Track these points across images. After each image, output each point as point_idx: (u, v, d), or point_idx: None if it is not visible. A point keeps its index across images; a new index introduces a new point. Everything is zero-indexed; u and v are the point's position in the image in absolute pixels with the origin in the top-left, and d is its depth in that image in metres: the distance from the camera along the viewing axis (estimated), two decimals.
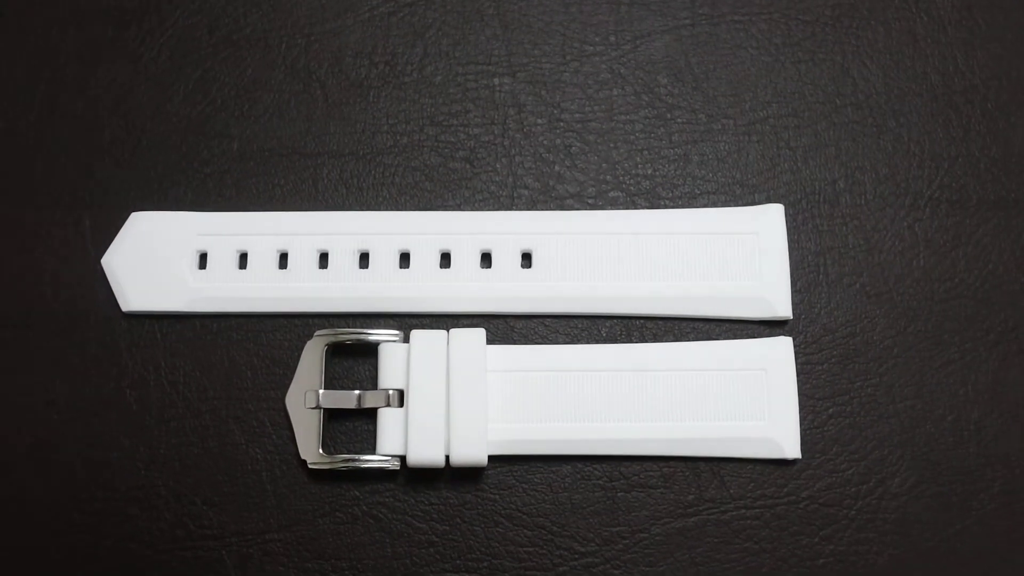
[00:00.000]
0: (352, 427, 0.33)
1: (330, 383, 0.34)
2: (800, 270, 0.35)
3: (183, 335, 0.34)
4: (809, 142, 0.37)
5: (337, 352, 0.34)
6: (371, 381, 0.34)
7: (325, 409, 0.33)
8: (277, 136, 0.36)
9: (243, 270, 0.34)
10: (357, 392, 0.33)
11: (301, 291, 0.34)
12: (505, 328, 0.34)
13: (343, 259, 0.34)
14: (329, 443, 0.33)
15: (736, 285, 0.34)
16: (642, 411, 0.33)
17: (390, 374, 0.32)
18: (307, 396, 0.33)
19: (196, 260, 0.35)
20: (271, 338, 0.34)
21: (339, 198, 0.36)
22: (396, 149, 0.36)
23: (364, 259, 0.34)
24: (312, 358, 0.33)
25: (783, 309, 0.34)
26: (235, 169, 0.36)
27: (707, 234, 0.34)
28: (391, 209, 0.36)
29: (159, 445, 0.33)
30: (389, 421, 0.32)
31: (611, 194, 0.36)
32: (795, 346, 0.34)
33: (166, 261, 0.34)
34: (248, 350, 0.34)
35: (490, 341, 0.34)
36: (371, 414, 0.33)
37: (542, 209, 0.35)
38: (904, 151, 0.36)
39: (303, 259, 0.34)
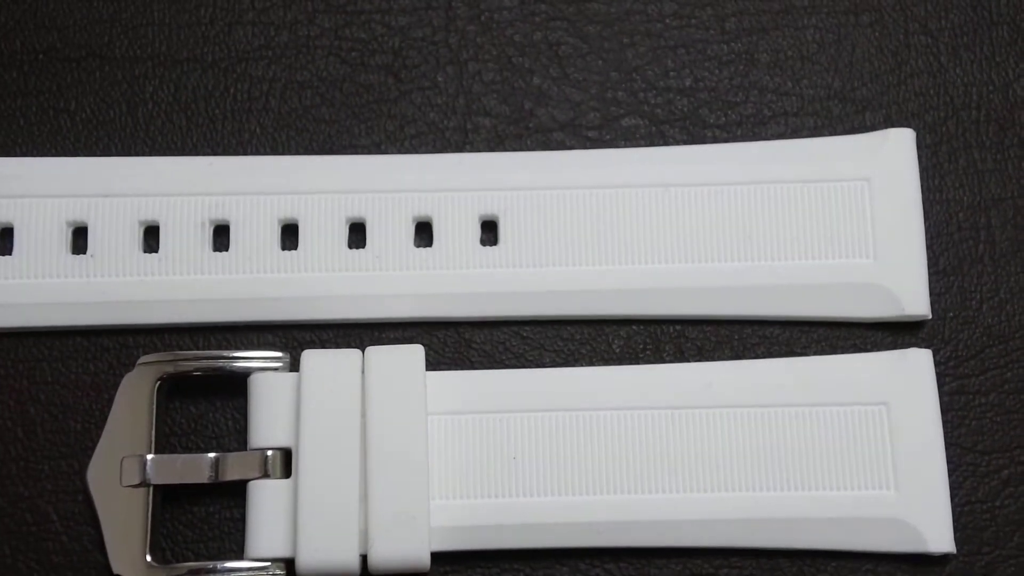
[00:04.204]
0: (205, 514, 0.32)
1: (165, 443, 0.32)
2: (945, 238, 0.34)
3: None
4: (961, 21, 0.36)
5: (178, 391, 0.33)
6: (236, 436, 0.33)
7: (157, 487, 0.31)
8: (61, 28, 0.36)
9: (7, 256, 0.33)
10: (212, 456, 0.31)
11: (113, 290, 0.33)
12: (457, 342, 0.33)
13: (186, 236, 0.33)
14: (164, 543, 0.32)
15: (836, 266, 0.33)
16: (684, 476, 0.32)
17: (268, 424, 0.31)
18: (125, 467, 0.31)
19: None
20: (61, 371, 0.33)
21: (174, 133, 0.35)
22: (270, 52, 0.36)
23: (222, 235, 0.33)
24: (134, 403, 0.32)
25: (916, 303, 0.33)
26: None
27: (785, 183, 0.34)
28: (265, 152, 0.35)
29: None
30: (267, 502, 0.31)
31: (625, 122, 0.35)
32: (938, 364, 0.33)
33: None
34: (19, 393, 0.33)
35: (434, 365, 0.33)
36: (237, 491, 0.32)
37: (513, 149, 0.35)
38: None
39: (116, 237, 0.33)
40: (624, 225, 0.33)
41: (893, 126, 0.35)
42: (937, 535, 0.31)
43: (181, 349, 0.33)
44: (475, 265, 0.33)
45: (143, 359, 0.32)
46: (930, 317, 0.33)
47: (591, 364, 0.33)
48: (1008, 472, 0.33)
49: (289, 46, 0.36)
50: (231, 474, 0.31)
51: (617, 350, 0.33)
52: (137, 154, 0.35)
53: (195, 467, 0.31)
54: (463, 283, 0.33)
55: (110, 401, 0.32)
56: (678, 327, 0.33)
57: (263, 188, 0.33)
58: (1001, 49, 0.36)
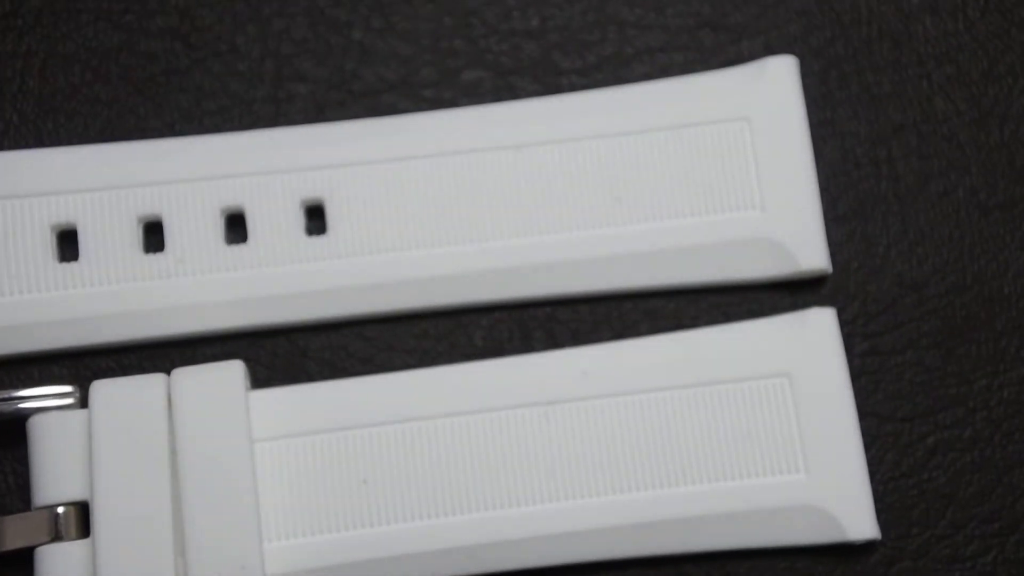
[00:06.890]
0: None
1: None
2: (842, 178, 0.34)
3: None
4: None
5: None
6: (18, 494, 0.31)
7: None
8: None
9: None
10: None
11: None
12: (290, 352, 0.32)
13: None
14: None
15: (719, 222, 0.32)
16: (565, 482, 0.31)
17: (56, 475, 0.30)
18: None
19: None
20: None
21: None
22: (21, 21, 0.34)
23: None
24: None
25: (813, 256, 0.32)
26: None
27: (654, 132, 0.33)
28: (27, 145, 0.33)
29: None
30: (60, 570, 0.29)
31: (466, 75, 0.34)
32: (844, 323, 0.32)
33: None
34: None
35: (263, 382, 0.32)
36: (22, 561, 0.30)
37: (336, 119, 0.34)
38: None
39: None
40: (474, 197, 0.32)
41: (774, 54, 0.34)
42: (856, 521, 0.30)
43: None
44: (301, 259, 0.32)
45: None
46: (831, 271, 0.32)
47: (450, 362, 0.32)
48: (933, 439, 0.32)
49: (45, 12, 0.34)
50: (13, 541, 0.29)
51: (479, 343, 0.33)
52: None
53: None
54: (288, 282, 0.32)
55: None
56: (547, 310, 0.33)
57: (28, 190, 0.32)
58: None
